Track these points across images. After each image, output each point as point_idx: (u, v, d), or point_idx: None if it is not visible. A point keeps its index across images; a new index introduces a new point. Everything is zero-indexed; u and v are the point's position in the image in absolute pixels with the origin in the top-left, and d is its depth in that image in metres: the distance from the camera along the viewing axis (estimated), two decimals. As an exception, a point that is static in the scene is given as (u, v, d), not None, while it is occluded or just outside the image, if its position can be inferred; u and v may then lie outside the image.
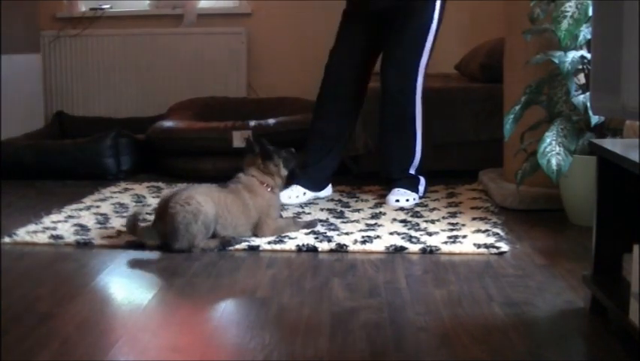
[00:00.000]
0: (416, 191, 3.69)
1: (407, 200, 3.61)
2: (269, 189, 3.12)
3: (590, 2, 3.04)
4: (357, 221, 3.30)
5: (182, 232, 2.86)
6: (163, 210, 2.92)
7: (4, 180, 4.19)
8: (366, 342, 2.05)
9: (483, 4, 5.13)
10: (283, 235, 3.06)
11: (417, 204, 3.60)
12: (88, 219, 3.35)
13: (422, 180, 3.76)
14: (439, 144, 4.17)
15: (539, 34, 3.36)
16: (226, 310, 2.39)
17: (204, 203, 2.91)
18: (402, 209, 3.51)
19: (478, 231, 3.11)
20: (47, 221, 3.30)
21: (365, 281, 2.57)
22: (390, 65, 3.66)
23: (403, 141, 3.70)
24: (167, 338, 2.15)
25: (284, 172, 3.17)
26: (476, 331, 2.13)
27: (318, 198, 3.74)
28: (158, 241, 2.91)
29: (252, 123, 4.42)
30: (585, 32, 3.14)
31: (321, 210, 3.51)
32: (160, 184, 4.10)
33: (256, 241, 2.99)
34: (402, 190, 3.65)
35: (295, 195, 3.68)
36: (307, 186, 3.73)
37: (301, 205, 3.60)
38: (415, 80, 3.65)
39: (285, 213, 3.39)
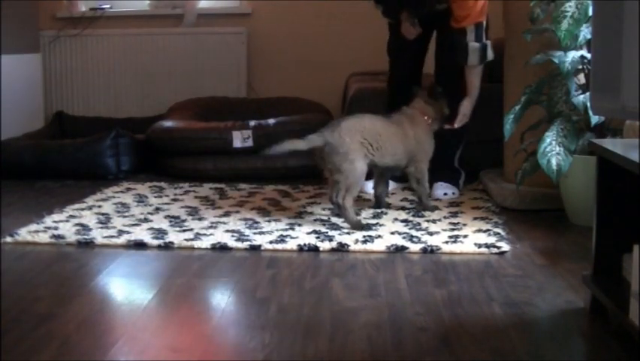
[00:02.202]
0: (457, 185, 3.86)
1: (453, 193, 3.80)
2: (429, 122, 3.45)
3: (590, 2, 3.04)
4: (357, 221, 3.30)
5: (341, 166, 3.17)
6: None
7: (4, 180, 4.19)
8: (366, 342, 2.05)
9: (483, 4, 5.11)
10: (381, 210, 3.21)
11: (418, 204, 3.60)
12: (89, 218, 3.36)
13: (462, 174, 3.92)
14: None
15: (539, 34, 3.36)
16: (226, 310, 2.39)
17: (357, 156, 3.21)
18: (403, 208, 3.51)
19: (479, 230, 3.11)
20: (49, 221, 3.30)
21: (365, 281, 2.57)
22: (442, 73, 3.83)
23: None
24: (167, 338, 2.15)
25: (446, 111, 3.51)
26: (476, 331, 2.13)
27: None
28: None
29: (252, 123, 4.42)
30: (585, 32, 3.14)
31: (323, 209, 3.51)
32: (162, 184, 4.10)
33: (257, 241, 2.99)
34: (445, 184, 3.82)
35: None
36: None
37: (303, 205, 3.60)
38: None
39: (287, 213, 3.38)
